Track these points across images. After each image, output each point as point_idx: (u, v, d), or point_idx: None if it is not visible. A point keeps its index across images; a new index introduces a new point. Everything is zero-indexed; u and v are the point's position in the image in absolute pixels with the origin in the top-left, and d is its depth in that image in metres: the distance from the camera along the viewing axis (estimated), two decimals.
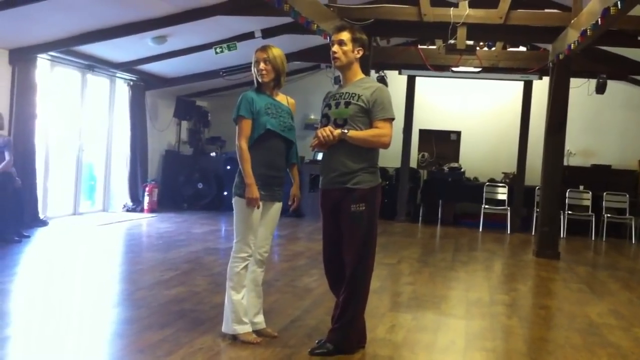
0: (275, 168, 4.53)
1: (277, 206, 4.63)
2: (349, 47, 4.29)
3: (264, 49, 4.49)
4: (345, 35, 4.30)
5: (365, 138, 4.23)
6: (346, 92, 4.34)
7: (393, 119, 4.29)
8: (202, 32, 10.04)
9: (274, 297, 5.94)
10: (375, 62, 10.91)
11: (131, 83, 12.18)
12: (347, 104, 4.28)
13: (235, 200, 4.54)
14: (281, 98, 4.64)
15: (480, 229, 12.52)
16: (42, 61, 9.88)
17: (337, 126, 4.28)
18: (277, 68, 4.47)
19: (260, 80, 4.50)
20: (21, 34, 8.94)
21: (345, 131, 4.21)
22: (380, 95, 4.26)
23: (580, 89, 11.70)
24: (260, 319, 4.67)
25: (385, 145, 4.27)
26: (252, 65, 4.51)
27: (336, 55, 4.32)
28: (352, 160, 4.26)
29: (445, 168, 13.77)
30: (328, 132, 4.21)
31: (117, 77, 11.94)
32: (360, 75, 4.43)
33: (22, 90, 9.39)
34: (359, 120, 4.26)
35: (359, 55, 4.35)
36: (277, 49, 4.52)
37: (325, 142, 4.23)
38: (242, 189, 4.46)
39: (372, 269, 4.41)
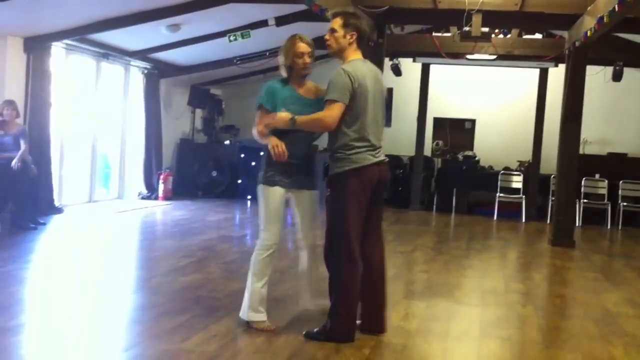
0: (296, 157, 4.41)
1: (309, 194, 4.54)
2: (340, 33, 4.30)
3: (303, 40, 4.45)
4: (336, 23, 4.32)
5: (307, 122, 4.26)
6: None
7: (335, 101, 4.15)
8: (216, 20, 10.02)
9: (287, 284, 5.95)
10: (389, 50, 10.83)
11: (145, 71, 12.20)
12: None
13: (258, 188, 4.49)
14: (309, 88, 4.55)
15: (495, 218, 12.47)
16: (57, 49, 9.91)
17: None
18: (313, 59, 4.47)
19: (303, 73, 4.48)
20: (36, 22, 8.96)
21: (294, 118, 4.24)
22: (332, 77, 4.22)
23: (596, 76, 11.58)
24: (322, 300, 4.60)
25: (326, 128, 4.24)
26: (290, 53, 4.43)
27: (328, 42, 4.37)
28: (328, 146, 4.34)
29: (460, 156, 13.69)
30: (276, 118, 4.27)
31: (132, 65, 11.96)
32: (348, 59, 4.36)
33: (37, 78, 9.43)
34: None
35: (352, 40, 4.32)
36: (308, 37, 4.51)
37: (276, 123, 4.29)
38: (262, 177, 4.44)
39: (348, 262, 4.25)
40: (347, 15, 4.35)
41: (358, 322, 4.55)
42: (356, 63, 4.31)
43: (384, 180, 4.41)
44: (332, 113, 4.17)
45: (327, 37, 4.36)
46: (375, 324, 4.59)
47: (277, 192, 4.41)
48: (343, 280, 4.30)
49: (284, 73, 4.54)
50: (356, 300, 4.37)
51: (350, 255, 4.26)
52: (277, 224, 4.45)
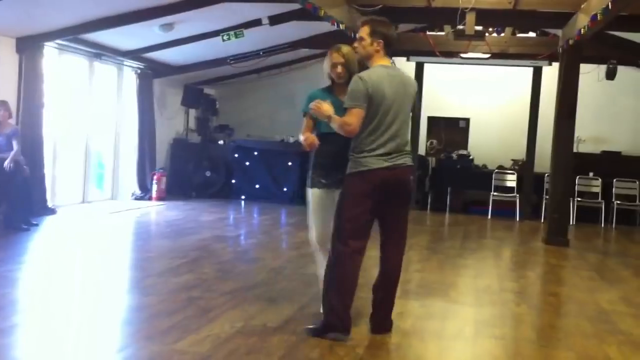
0: (335, 157, 4.60)
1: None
2: (367, 41, 4.45)
3: (339, 51, 4.66)
4: (364, 31, 4.47)
5: (337, 123, 4.37)
6: None
7: (352, 108, 4.31)
8: (209, 20, 9.99)
9: (282, 284, 5.95)
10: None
11: (139, 71, 12.15)
12: None
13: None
14: None
15: (489, 217, 12.48)
16: (49, 49, 9.86)
17: None
18: (350, 68, 4.63)
19: (338, 81, 4.70)
20: (28, 23, 8.91)
21: (332, 115, 4.38)
22: (350, 84, 4.41)
23: (590, 75, 11.58)
24: None
25: (349, 133, 4.35)
26: (327, 64, 4.70)
27: (356, 50, 4.57)
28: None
29: (454, 155, 13.69)
30: (320, 104, 4.40)
31: (125, 65, 11.91)
32: (373, 66, 4.50)
33: (30, 79, 9.38)
34: None
35: (378, 47, 4.46)
36: (347, 47, 4.69)
37: (317, 112, 4.43)
38: (308, 179, 4.77)
39: (344, 254, 4.37)
40: (375, 24, 4.51)
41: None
42: (375, 69, 4.45)
43: (396, 184, 4.43)
44: (352, 119, 4.31)
45: (355, 44, 4.56)
46: (374, 323, 4.63)
47: (316, 193, 4.72)
48: (337, 273, 4.38)
49: (327, 80, 4.81)
50: (351, 292, 4.42)
51: (347, 248, 4.36)
52: (317, 222, 4.75)
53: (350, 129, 4.31)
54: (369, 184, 4.35)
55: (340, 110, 4.45)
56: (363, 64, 4.61)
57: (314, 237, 4.78)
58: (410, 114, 4.63)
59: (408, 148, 4.51)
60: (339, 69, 4.63)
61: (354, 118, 4.30)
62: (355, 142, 4.40)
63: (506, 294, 6.23)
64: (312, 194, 4.73)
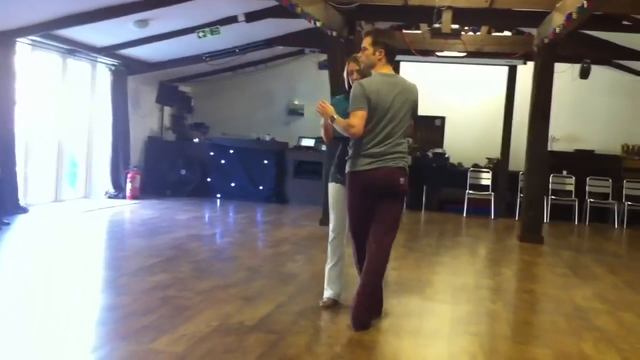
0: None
1: None
2: (370, 50, 4.79)
3: (355, 60, 5.11)
4: (367, 41, 4.81)
5: (340, 124, 4.70)
6: None
7: (355, 110, 4.61)
8: (185, 16, 9.90)
9: (258, 283, 5.91)
10: (360, 47, 10.80)
11: (113, 68, 12.00)
12: None
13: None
14: None
15: (465, 214, 12.54)
16: (22, 45, 9.69)
17: None
18: (365, 74, 4.98)
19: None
20: (0, 18, 8.76)
21: (335, 116, 4.71)
22: (351, 90, 4.76)
23: (564, 73, 11.68)
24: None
25: (352, 135, 4.67)
26: (346, 72, 5.19)
27: (361, 59, 4.95)
28: None
29: (430, 154, 13.74)
30: (325, 104, 4.76)
31: (99, 61, 11.75)
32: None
33: (1, 75, 9.20)
34: None
35: (380, 56, 4.77)
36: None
37: (321, 112, 4.78)
38: (330, 177, 5.23)
39: (353, 244, 4.95)
40: (376, 34, 4.86)
41: None
42: (374, 76, 4.77)
43: (382, 184, 4.69)
44: (355, 120, 4.62)
45: (359, 54, 4.95)
46: (356, 318, 4.63)
47: (334, 187, 5.18)
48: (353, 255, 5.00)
49: (347, 87, 5.16)
50: None
51: (353, 241, 4.94)
52: (335, 214, 5.16)
53: (354, 130, 4.60)
54: (358, 184, 4.71)
55: None
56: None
57: (332, 226, 5.17)
58: (410, 119, 4.82)
59: (401, 150, 4.72)
60: (355, 75, 5.06)
61: (357, 119, 4.60)
62: (352, 142, 4.73)
63: (482, 291, 6.25)
64: (331, 187, 5.19)
